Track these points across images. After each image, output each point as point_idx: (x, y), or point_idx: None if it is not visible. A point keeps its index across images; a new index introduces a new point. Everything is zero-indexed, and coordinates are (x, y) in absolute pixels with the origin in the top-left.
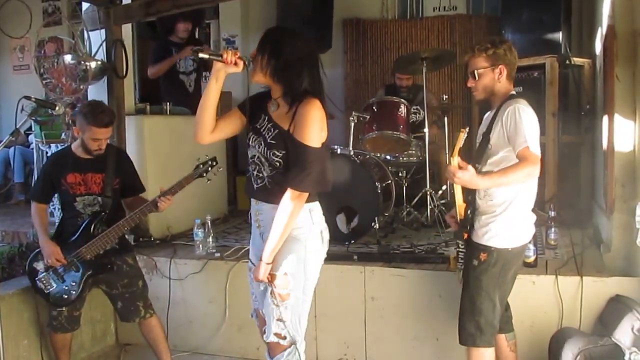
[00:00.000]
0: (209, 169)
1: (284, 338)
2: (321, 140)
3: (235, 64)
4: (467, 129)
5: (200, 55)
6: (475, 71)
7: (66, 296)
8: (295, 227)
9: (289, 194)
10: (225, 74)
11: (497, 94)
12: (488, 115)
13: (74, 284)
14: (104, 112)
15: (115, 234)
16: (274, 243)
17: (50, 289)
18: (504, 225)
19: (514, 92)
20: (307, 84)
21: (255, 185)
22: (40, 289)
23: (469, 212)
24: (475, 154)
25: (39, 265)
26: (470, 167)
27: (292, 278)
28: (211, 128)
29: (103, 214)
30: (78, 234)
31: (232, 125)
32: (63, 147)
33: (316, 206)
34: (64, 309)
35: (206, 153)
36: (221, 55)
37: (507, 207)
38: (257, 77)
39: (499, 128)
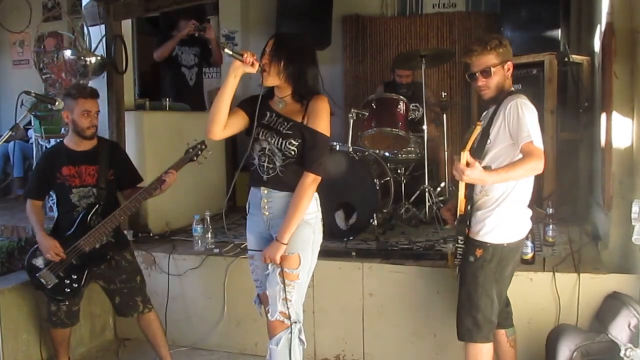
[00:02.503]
0: (199, 152)
1: (289, 317)
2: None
3: (252, 64)
4: (482, 122)
5: (226, 50)
6: (491, 68)
7: (69, 290)
8: (307, 212)
9: (307, 178)
10: (242, 72)
11: (504, 91)
12: (487, 112)
13: (75, 277)
14: (86, 86)
15: (112, 223)
16: (292, 225)
17: (52, 284)
18: (499, 221)
19: (513, 89)
20: (312, 82)
21: (265, 176)
22: (42, 285)
23: (469, 207)
24: (475, 149)
25: (39, 262)
26: (477, 164)
27: (302, 259)
28: (224, 124)
29: (97, 205)
30: (75, 227)
31: (239, 123)
32: (55, 143)
33: (317, 195)
34: (66, 303)
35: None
36: (242, 55)
37: (502, 202)
38: (271, 80)
39: (500, 122)
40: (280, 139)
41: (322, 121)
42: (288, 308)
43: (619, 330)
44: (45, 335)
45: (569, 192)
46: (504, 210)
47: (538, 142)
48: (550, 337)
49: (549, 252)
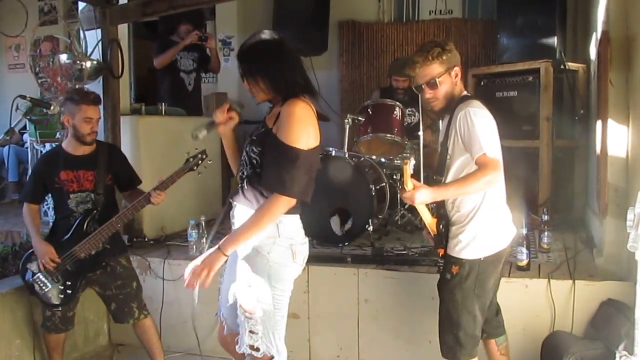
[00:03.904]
0: (199, 162)
1: (257, 350)
2: (307, 144)
3: (231, 118)
4: (411, 160)
5: (200, 137)
6: (436, 80)
7: (62, 296)
8: (262, 238)
9: (273, 198)
10: (229, 130)
11: (454, 98)
12: (443, 122)
13: (69, 283)
14: (89, 91)
15: (108, 231)
16: (239, 237)
17: (46, 290)
18: (473, 235)
19: (466, 93)
20: (290, 81)
21: (238, 186)
22: (36, 290)
23: (441, 226)
24: (438, 166)
25: (33, 266)
26: (423, 185)
27: (257, 291)
28: None
29: (95, 211)
30: (71, 232)
31: None
32: (53, 147)
33: (287, 219)
34: (60, 309)
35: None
36: (214, 122)
37: (474, 216)
38: (260, 97)
39: (454, 135)
40: (249, 146)
41: (289, 129)
42: (255, 341)
43: (614, 337)
44: (39, 340)
45: (564, 199)
46: (477, 224)
47: (492, 152)
48: (545, 344)
49: (544, 259)
